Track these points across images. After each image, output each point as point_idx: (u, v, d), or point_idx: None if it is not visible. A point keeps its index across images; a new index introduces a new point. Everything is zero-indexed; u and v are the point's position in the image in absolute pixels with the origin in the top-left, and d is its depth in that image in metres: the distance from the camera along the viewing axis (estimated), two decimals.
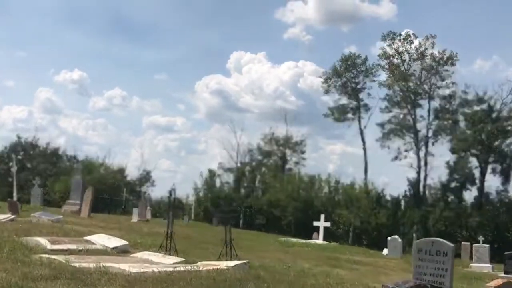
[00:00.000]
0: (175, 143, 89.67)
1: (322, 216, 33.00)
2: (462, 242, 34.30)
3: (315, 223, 33.15)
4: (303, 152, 55.87)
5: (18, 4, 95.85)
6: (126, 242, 13.98)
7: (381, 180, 79.27)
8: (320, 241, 31.35)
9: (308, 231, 41.50)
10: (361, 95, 50.81)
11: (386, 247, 33.75)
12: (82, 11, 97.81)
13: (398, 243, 25.74)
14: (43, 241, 12.17)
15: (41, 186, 33.10)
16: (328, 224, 33.14)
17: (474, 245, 26.99)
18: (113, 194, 51.57)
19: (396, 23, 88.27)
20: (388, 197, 45.92)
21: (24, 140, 64.14)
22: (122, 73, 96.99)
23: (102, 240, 13.87)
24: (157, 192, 61.40)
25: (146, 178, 64.40)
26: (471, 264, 25.46)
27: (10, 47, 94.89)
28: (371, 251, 30.64)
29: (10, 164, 31.36)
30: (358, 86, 50.38)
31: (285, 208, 45.74)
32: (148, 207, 45.01)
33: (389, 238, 26.89)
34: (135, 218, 27.68)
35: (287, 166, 55.95)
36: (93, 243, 13.38)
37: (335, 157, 77.73)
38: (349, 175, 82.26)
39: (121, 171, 60.77)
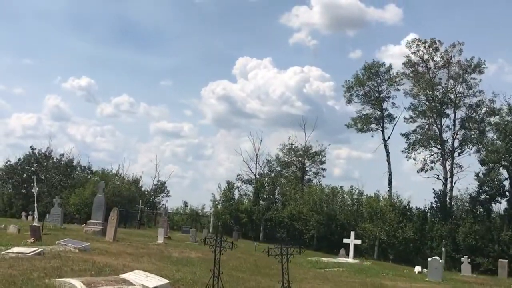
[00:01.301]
0: (182, 148, 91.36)
1: (353, 233, 31.51)
2: (499, 260, 32.89)
3: (345, 240, 31.66)
4: (322, 163, 54.63)
5: (25, 12, 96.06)
6: (166, 281, 12.69)
7: (405, 192, 78.52)
8: (351, 259, 29.87)
9: (332, 245, 40.28)
10: (384, 105, 49.55)
11: (417, 264, 32.53)
12: (89, 18, 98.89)
13: (439, 264, 24.19)
14: (78, 284, 10.91)
15: (61, 205, 31.79)
16: (359, 241, 31.67)
17: None
18: (128, 206, 50.39)
19: (402, 28, 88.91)
20: (414, 210, 44.30)
21: (38, 151, 63.37)
22: (129, 80, 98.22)
23: (140, 279, 12.57)
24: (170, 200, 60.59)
25: (161, 188, 63.50)
26: None
27: (17, 54, 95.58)
28: (405, 270, 29.25)
29: (32, 184, 30.02)
30: (382, 95, 49.06)
31: (307, 222, 44.34)
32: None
33: (429, 259, 25.36)
34: (160, 239, 26.37)
35: (306, 177, 54.72)
36: (131, 283, 12.10)
37: (342, 161, 76.85)
38: (371, 186, 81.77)
39: (136, 181, 59.77)
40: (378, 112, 49.05)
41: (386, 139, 48.73)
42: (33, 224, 20.32)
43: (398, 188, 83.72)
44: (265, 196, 51.36)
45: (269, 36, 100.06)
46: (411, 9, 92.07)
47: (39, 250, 14.33)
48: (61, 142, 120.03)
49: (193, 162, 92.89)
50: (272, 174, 53.85)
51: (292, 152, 54.39)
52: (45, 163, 63.52)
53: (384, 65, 49.06)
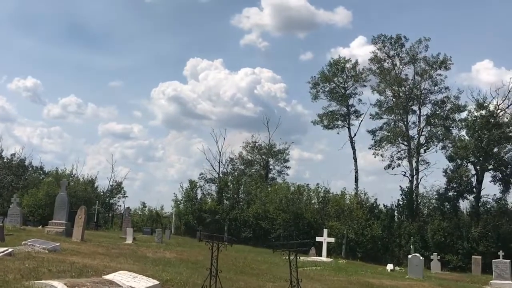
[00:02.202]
0: (132, 150, 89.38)
1: (325, 231, 30.77)
2: (473, 256, 32.70)
3: (318, 239, 30.84)
4: (286, 161, 53.85)
5: None
6: (156, 282, 11.53)
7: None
8: (324, 258, 29.08)
9: (299, 245, 39.29)
10: (351, 101, 49.12)
11: (386, 262, 32.12)
12: (35, 17, 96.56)
13: (420, 261, 23.59)
14: (61, 286, 9.61)
15: (19, 205, 29.84)
16: (332, 239, 30.94)
17: (494, 260, 25.15)
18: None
19: (351, 30, 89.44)
20: (381, 208, 43.93)
21: None
22: (77, 80, 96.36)
23: (127, 280, 11.36)
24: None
25: (117, 189, 61.60)
26: (491, 281, 23.69)
27: None
28: (379, 268, 28.73)
29: None
30: (348, 92, 48.52)
31: (274, 221, 43.34)
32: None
33: (409, 256, 24.81)
34: (129, 239, 24.92)
35: (270, 175, 53.85)
36: (118, 285, 10.86)
37: (293, 162, 76.68)
38: (337, 185, 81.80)
39: (91, 182, 57.74)
40: (345, 109, 48.63)
41: (352, 136, 48.39)
42: None
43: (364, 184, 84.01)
44: (229, 195, 50.10)
45: (220, 37, 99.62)
46: (360, 12, 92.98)
47: (10, 250, 12.87)
48: (7, 143, 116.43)
49: (144, 163, 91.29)
50: (236, 173, 52.65)
51: (256, 150, 53.38)
52: None
53: (350, 61, 48.69)
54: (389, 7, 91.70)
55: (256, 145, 53.46)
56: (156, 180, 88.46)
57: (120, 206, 60.29)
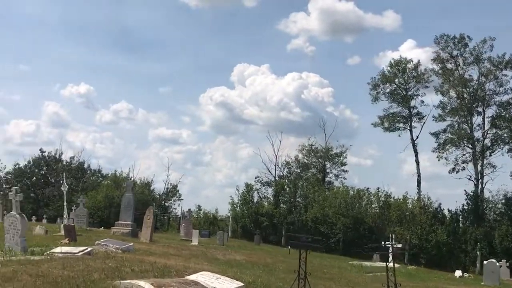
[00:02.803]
0: (180, 155, 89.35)
1: (392, 236, 29.76)
2: None
3: (383, 244, 29.79)
4: (343, 164, 52.83)
5: (23, 19, 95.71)
6: (240, 284, 11.06)
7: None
8: (391, 264, 28.03)
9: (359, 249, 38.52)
10: (412, 103, 47.74)
11: (451, 268, 30.93)
12: (88, 25, 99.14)
13: (497, 268, 22.46)
14: (148, 286, 9.24)
15: (86, 206, 30.02)
16: (399, 245, 29.96)
17: None
18: (142, 209, 48.74)
19: (401, 34, 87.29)
20: (445, 212, 42.49)
21: (48, 154, 61.84)
22: (128, 87, 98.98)
23: (211, 280, 10.93)
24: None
25: (172, 192, 61.97)
26: None
27: (15, 61, 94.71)
28: (449, 275, 27.67)
29: (61, 182, 28.29)
30: (409, 93, 47.23)
31: (334, 225, 42.49)
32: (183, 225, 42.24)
33: (485, 262, 23.68)
34: (195, 241, 24.61)
35: (327, 179, 52.99)
36: (203, 286, 10.44)
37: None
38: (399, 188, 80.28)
39: (148, 185, 58.25)
40: (406, 111, 47.32)
41: (414, 138, 47.06)
42: (68, 224, 18.57)
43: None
44: (285, 199, 49.50)
45: (266, 42, 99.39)
46: (409, 15, 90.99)
47: (89, 249, 12.62)
48: (61, 148, 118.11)
49: (192, 168, 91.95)
50: (292, 177, 51.98)
51: (312, 154, 52.60)
52: (55, 166, 61.91)
53: (412, 61, 47.36)
54: (439, 9, 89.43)
55: (313, 148, 52.76)
56: (204, 185, 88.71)
57: (175, 209, 60.73)
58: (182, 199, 59.68)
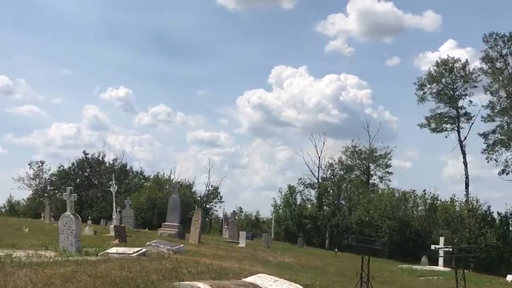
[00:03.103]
0: (218, 157, 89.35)
1: (442, 239, 29.00)
2: None
3: (434, 247, 29.17)
4: (388, 166, 51.95)
5: (63, 24, 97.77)
6: (299, 287, 10.77)
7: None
8: (441, 268, 27.41)
9: (407, 253, 37.70)
10: (460, 103, 46.62)
11: (502, 273, 30.04)
12: (127, 30, 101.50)
13: None
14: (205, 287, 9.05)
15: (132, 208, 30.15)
16: (449, 248, 29.08)
17: None
18: (184, 211, 48.95)
19: (441, 34, 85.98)
20: (495, 215, 41.19)
21: (91, 156, 62.66)
22: (166, 90, 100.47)
23: (269, 283, 10.74)
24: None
25: (214, 194, 62.11)
26: None
27: (55, 65, 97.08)
28: (501, 279, 26.81)
29: (110, 183, 28.51)
30: (457, 93, 46.11)
31: (379, 228, 41.71)
32: (226, 226, 42.14)
33: None
34: (242, 243, 24.41)
35: (371, 181, 52.22)
36: None
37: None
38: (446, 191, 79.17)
39: (189, 187, 58.41)
40: (454, 111, 46.21)
41: (462, 139, 45.93)
42: (118, 225, 18.55)
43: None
44: (329, 201, 48.93)
45: (304, 44, 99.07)
46: (449, 15, 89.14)
47: (143, 250, 12.49)
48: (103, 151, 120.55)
49: (229, 171, 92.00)
50: (335, 179, 51.39)
51: (356, 155, 51.91)
52: (98, 168, 62.69)
53: (460, 60, 46.24)
54: (480, 8, 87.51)
55: (356, 149, 52.05)
56: (242, 187, 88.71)
57: (216, 211, 60.86)
58: (223, 201, 59.76)
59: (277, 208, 49.00)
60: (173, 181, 57.91)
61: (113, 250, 12.50)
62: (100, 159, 63.53)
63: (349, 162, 52.35)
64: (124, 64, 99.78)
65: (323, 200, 48.85)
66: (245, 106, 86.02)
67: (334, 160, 52.22)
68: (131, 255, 11.95)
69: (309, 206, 48.98)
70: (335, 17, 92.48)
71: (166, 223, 24.79)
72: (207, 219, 57.69)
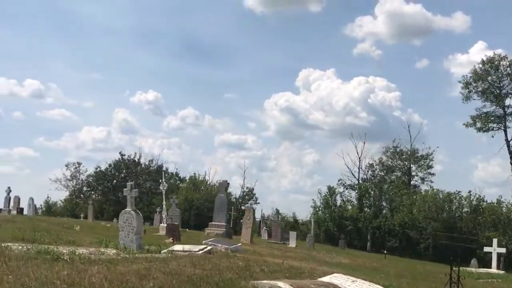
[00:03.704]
0: (246, 160, 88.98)
1: (495, 241, 27.87)
2: None
3: (487, 249, 28.14)
4: (430, 167, 50.71)
5: (93, 29, 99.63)
6: (380, 287, 10.08)
7: None
8: (495, 270, 26.37)
9: (454, 256, 36.55)
10: (507, 101, 45.22)
11: None
12: (154, 34, 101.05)
13: None
14: (286, 287, 8.45)
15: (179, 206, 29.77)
16: (503, 250, 28.04)
17: None
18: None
19: (471, 35, 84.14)
20: None
21: (128, 157, 62.88)
22: (194, 93, 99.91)
23: (347, 283, 10.08)
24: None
25: (249, 195, 61.70)
26: None
27: (87, 69, 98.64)
28: None
29: (160, 181, 28.19)
30: (504, 91, 44.78)
31: (423, 230, 40.68)
32: (265, 227, 41.55)
33: None
34: (293, 243, 23.77)
35: (412, 182, 51.10)
36: None
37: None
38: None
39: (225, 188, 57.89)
40: (500, 110, 44.94)
41: (509, 139, 44.49)
42: (172, 223, 18.09)
43: None
44: (370, 202, 47.99)
45: (332, 47, 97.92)
46: (479, 16, 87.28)
47: (208, 248, 11.94)
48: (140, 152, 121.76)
49: (257, 174, 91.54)
50: (376, 179, 50.42)
51: (397, 156, 50.86)
52: (135, 170, 62.86)
53: (506, 58, 44.67)
54: (511, 9, 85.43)
55: (397, 150, 51.00)
56: (270, 190, 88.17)
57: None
58: (258, 203, 59.29)
59: (317, 209, 48.25)
60: (208, 182, 57.76)
61: (178, 247, 12.00)
62: (136, 160, 63.75)
63: (389, 163, 51.25)
64: (153, 68, 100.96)
65: (363, 201, 47.93)
66: (272, 109, 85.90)
67: (375, 161, 51.35)
68: (196, 252, 11.41)
69: (350, 207, 48.09)
70: (363, 19, 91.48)
71: (213, 222, 24.29)
72: (241, 220, 57.33)
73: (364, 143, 51.67)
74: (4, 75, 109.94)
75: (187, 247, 11.91)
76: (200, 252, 11.50)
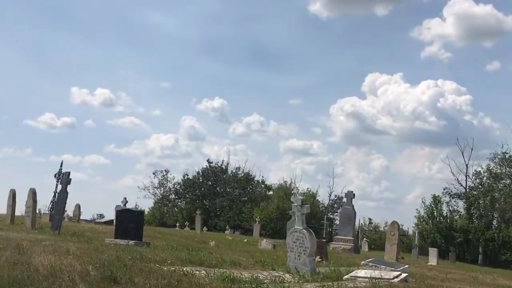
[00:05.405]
0: (312, 166, 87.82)
1: None
2: None
3: None
4: None
5: (162, 39, 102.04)
6: None
7: None
8: None
9: None
10: None
11: None
12: (219, 41, 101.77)
13: None
14: None
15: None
16: None
17: None
18: (310, 222, 46.68)
19: None
20: None
21: (215, 165, 62.21)
22: (259, 99, 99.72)
23: None
24: None
25: (338, 203, 59.80)
26: None
27: (156, 78, 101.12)
28: None
29: (292, 192, 26.67)
30: None
31: None
32: (365, 239, 39.37)
33: None
34: (433, 261, 21.44)
35: None
36: None
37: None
38: None
39: (312, 196, 56.16)
40: None
41: None
42: (319, 239, 16.22)
43: None
44: (479, 212, 44.70)
45: (399, 50, 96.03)
46: None
47: (404, 275, 9.95)
48: (197, 161, 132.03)
49: (323, 180, 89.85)
50: (483, 188, 46.99)
51: (506, 163, 47.27)
52: (222, 177, 61.97)
53: None
54: None
55: (506, 157, 47.37)
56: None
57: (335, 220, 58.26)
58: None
59: (421, 220, 45.41)
60: (293, 190, 55.95)
61: (363, 273, 10.04)
62: (224, 167, 62.86)
63: (498, 170, 47.75)
64: (219, 75, 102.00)
65: (472, 211, 44.73)
66: (338, 114, 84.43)
67: (482, 168, 47.96)
68: (391, 280, 9.43)
69: (457, 217, 44.99)
70: (431, 22, 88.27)
71: (338, 236, 22.50)
72: (329, 229, 55.26)
73: (472, 149, 48.55)
74: (77, 84, 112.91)
75: (377, 273, 9.93)
76: (396, 280, 9.54)
